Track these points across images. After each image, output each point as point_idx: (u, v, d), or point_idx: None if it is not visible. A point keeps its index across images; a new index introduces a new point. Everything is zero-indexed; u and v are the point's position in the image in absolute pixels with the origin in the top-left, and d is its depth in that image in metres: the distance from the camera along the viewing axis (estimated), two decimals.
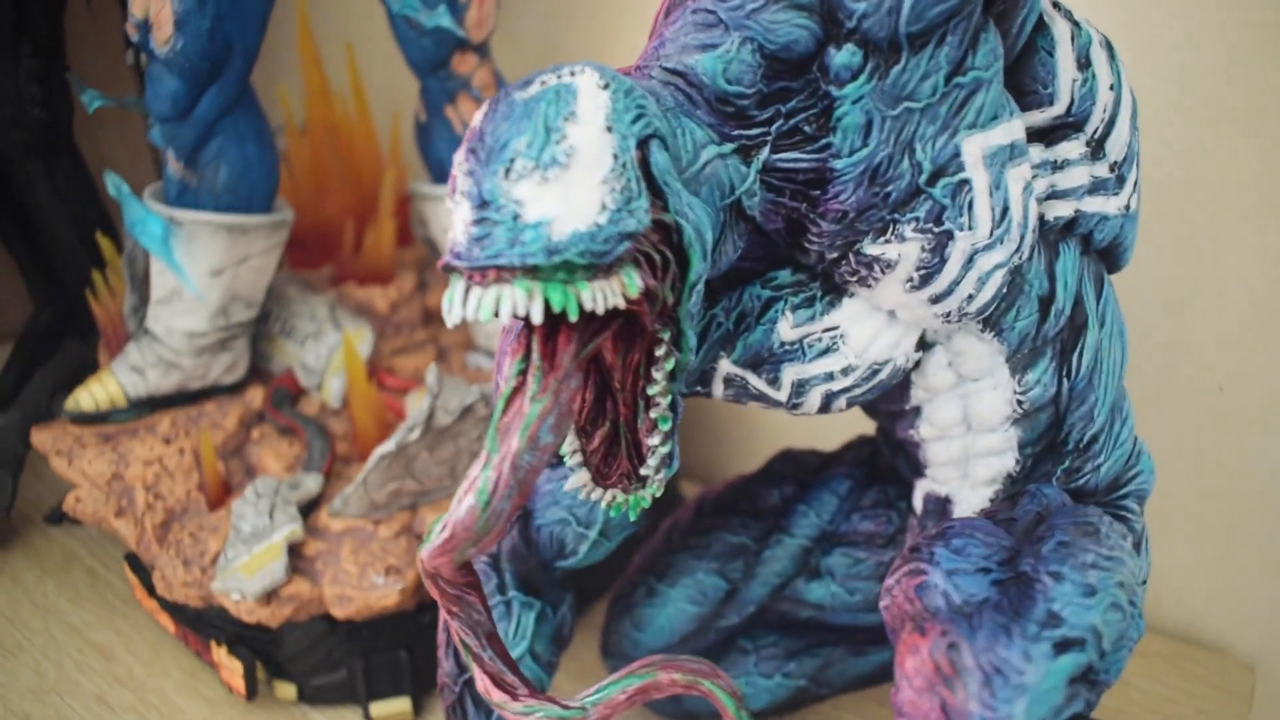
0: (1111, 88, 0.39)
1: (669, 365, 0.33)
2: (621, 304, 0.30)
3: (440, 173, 0.64)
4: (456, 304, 0.29)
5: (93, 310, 0.64)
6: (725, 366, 0.41)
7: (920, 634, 0.31)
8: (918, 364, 0.42)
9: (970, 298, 0.38)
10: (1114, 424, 0.43)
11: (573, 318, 0.29)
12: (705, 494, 0.55)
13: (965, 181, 0.35)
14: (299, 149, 0.68)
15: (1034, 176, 0.38)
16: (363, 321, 0.66)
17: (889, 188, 0.35)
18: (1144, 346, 0.57)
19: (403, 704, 0.56)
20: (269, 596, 0.53)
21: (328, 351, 0.64)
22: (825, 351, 0.40)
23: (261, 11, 0.55)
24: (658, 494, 0.35)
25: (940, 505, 0.45)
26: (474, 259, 0.29)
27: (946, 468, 0.45)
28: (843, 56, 0.34)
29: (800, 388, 0.41)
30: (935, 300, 0.38)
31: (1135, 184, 0.42)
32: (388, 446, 0.53)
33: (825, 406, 0.42)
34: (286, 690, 0.56)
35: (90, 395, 0.60)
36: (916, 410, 0.44)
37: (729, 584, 0.51)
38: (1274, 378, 0.54)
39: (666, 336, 0.33)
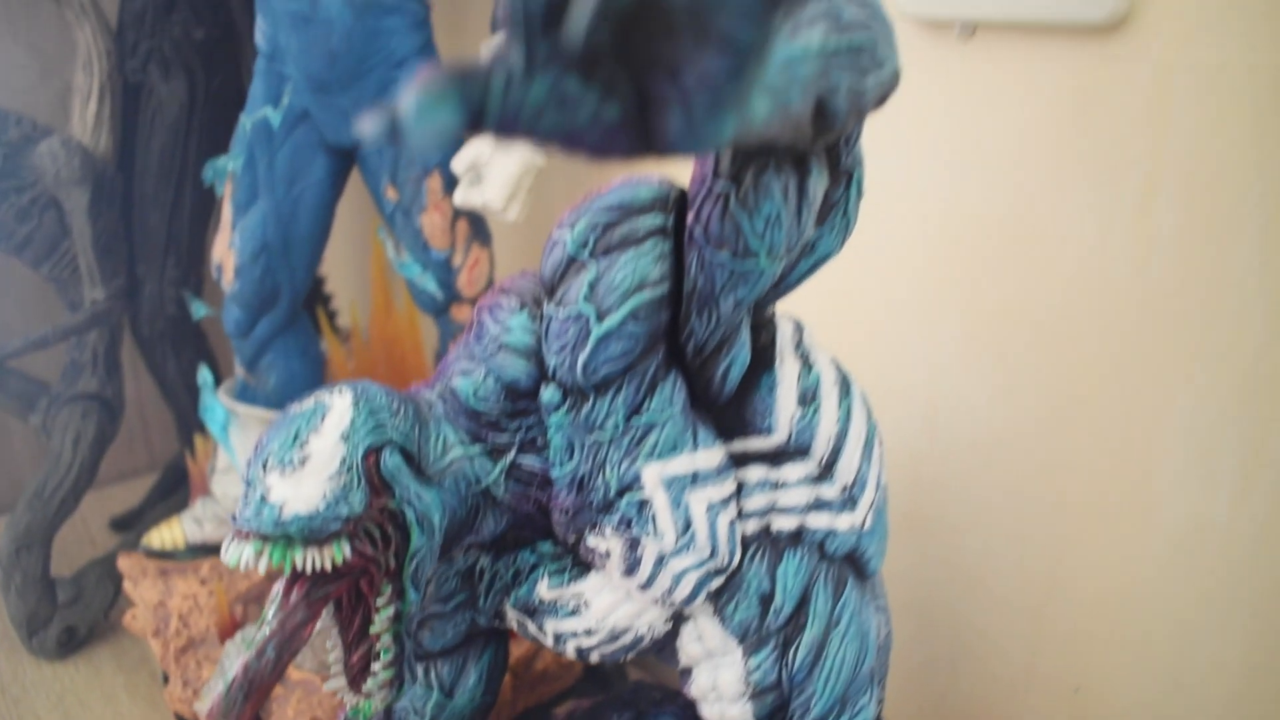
0: (837, 422, 0.46)
1: (387, 611, 0.44)
2: (329, 567, 0.41)
3: None
4: (223, 552, 0.42)
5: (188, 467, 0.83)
6: (510, 612, 0.51)
7: None
8: (676, 633, 0.49)
9: (670, 589, 0.45)
10: (839, 715, 0.47)
11: (285, 573, 0.41)
12: (578, 706, 0.63)
13: (646, 500, 0.44)
14: (364, 354, 0.84)
15: (740, 495, 0.46)
16: None
17: (591, 496, 0.44)
18: (1001, 645, 0.59)
19: None
20: None
21: None
22: (572, 613, 0.48)
23: (305, 264, 0.72)
24: (379, 707, 0.45)
25: None
26: (235, 523, 0.42)
27: None
28: (548, 394, 0.44)
29: (559, 639, 0.49)
30: (643, 588, 0.46)
31: (872, 504, 0.47)
32: (326, 621, 0.65)
33: (583, 657, 0.50)
34: None
35: (159, 536, 0.78)
36: (688, 672, 0.51)
37: None
38: (1132, 680, 0.54)
39: (387, 590, 0.44)
